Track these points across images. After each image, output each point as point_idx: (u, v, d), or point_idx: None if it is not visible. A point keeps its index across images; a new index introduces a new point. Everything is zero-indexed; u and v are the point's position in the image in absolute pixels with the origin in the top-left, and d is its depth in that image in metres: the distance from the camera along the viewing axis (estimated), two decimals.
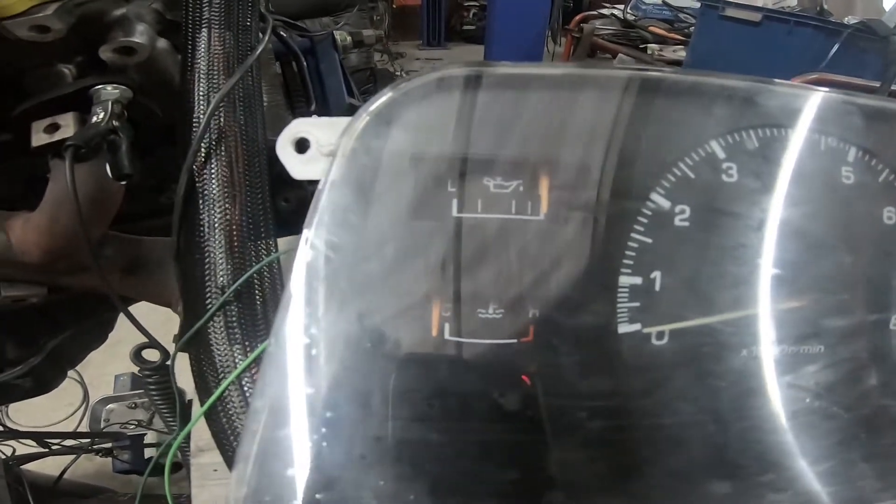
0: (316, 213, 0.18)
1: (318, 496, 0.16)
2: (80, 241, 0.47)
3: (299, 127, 0.21)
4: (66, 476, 0.92)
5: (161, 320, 0.41)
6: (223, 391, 0.25)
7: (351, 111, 0.94)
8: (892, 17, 1.89)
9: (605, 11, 2.79)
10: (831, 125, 0.23)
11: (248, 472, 0.16)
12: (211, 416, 0.26)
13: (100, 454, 1.07)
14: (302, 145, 0.21)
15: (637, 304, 0.20)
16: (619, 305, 0.20)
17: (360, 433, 0.18)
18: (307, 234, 0.17)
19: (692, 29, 2.17)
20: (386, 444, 0.18)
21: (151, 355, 0.37)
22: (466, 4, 5.76)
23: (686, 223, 0.20)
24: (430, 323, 0.20)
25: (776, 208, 0.22)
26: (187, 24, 0.36)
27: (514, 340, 0.21)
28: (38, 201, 0.50)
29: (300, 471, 0.16)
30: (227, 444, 0.25)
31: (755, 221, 0.21)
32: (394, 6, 5.36)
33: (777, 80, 0.23)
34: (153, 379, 0.36)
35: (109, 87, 0.40)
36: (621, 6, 2.75)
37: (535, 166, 0.21)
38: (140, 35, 0.39)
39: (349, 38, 0.91)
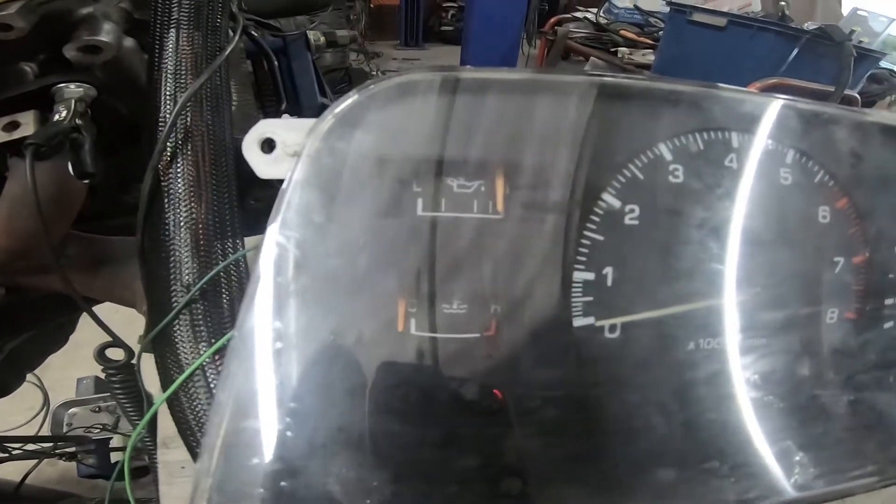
0: (280, 211, 0.18)
1: (282, 484, 0.17)
2: (40, 241, 0.46)
3: (265, 127, 0.21)
4: (28, 481, 0.89)
5: (124, 321, 0.41)
6: (185, 379, 0.25)
7: (322, 111, 0.94)
8: (848, 22, 1.98)
9: (578, 15, 2.83)
10: (771, 129, 0.25)
11: (213, 462, 0.16)
12: (175, 411, 0.26)
13: (64, 458, 1.03)
14: (269, 145, 0.21)
15: (590, 298, 0.21)
16: (573, 300, 0.21)
17: (325, 424, 0.18)
18: (271, 230, 0.18)
19: (661, 33, 2.22)
20: (349, 434, 0.18)
21: (116, 354, 0.37)
22: (445, 5, 5.82)
23: (635, 221, 0.22)
24: (395, 318, 0.21)
25: (719, 208, 0.23)
26: (155, 23, 0.36)
27: (478, 335, 0.22)
28: None
29: (264, 460, 0.16)
30: (192, 439, 0.26)
31: (699, 220, 0.23)
32: (371, 5, 5.32)
33: (721, 85, 0.25)
34: (117, 378, 0.36)
35: (72, 86, 0.39)
36: (595, 9, 2.80)
37: (495, 167, 0.21)
38: (106, 34, 0.39)
39: (322, 38, 0.90)
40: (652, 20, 2.54)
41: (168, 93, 0.34)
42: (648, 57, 2.10)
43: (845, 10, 2.59)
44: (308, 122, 0.21)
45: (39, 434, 0.98)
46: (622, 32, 2.44)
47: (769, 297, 0.23)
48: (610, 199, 0.22)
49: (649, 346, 0.22)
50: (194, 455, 0.26)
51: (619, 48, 2.29)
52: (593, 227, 0.21)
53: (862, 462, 0.23)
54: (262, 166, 0.21)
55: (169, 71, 0.34)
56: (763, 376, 0.23)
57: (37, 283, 0.55)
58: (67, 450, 1.01)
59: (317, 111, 0.89)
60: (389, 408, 0.20)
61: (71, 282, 0.43)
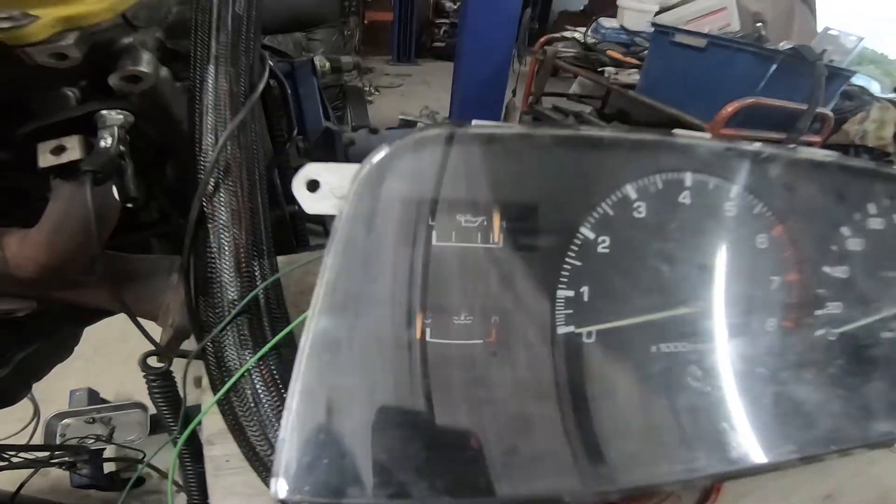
0: (333, 241, 0.23)
1: (324, 461, 0.21)
2: (76, 258, 0.50)
3: (311, 170, 0.26)
4: (22, 491, 0.91)
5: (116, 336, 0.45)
6: (234, 382, 0.30)
7: (327, 135, 0.98)
8: (820, 42, 2.07)
9: (567, 34, 2.87)
10: (717, 168, 0.31)
11: (289, 432, 0.21)
12: (225, 410, 0.31)
13: (62, 467, 1.05)
14: (314, 185, 0.26)
15: (571, 311, 0.27)
16: (557, 312, 0.27)
17: (370, 404, 0.23)
18: (326, 258, 0.23)
19: (646, 53, 2.29)
20: (388, 413, 0.23)
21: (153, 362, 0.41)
22: (437, 22, 5.92)
23: (607, 250, 0.27)
24: (415, 327, 0.26)
25: (674, 237, 0.29)
26: (195, 58, 0.41)
27: (481, 341, 0.27)
28: (19, 217, 0.52)
29: (329, 433, 0.21)
30: (240, 435, 0.30)
31: (658, 248, 0.28)
32: (364, 21, 5.38)
33: (676, 132, 0.30)
34: (157, 384, 0.40)
35: (114, 113, 0.44)
36: (583, 29, 2.87)
37: (494, 206, 0.27)
38: (146, 64, 0.44)
39: (328, 65, 0.96)
40: (637, 40, 2.58)
41: (209, 127, 0.39)
42: (633, 76, 2.16)
43: (820, 28, 2.68)
44: (347, 168, 0.26)
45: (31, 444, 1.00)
46: (609, 52, 2.49)
47: (715, 309, 0.29)
48: (586, 231, 0.27)
49: (618, 348, 0.27)
50: (241, 447, 0.30)
51: (606, 68, 2.35)
52: (573, 254, 0.27)
53: (786, 442, 0.28)
54: (309, 203, 0.26)
55: (209, 106, 0.39)
56: (707, 372, 0.28)
57: (66, 297, 0.59)
58: (63, 460, 1.03)
59: (321, 135, 0.94)
60: (411, 402, 0.25)
61: (120, 296, 0.47)
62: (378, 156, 0.25)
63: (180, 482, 0.44)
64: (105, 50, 0.42)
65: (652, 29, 2.15)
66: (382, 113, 3.64)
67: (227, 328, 0.32)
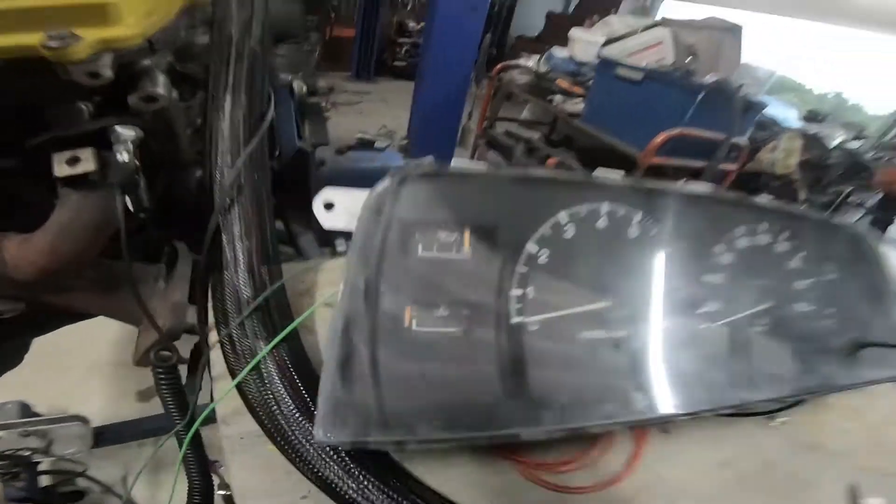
0: (353, 247, 0.32)
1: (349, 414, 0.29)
2: (74, 263, 0.54)
3: (328, 194, 0.35)
4: None
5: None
6: (252, 368, 0.37)
7: (300, 155, 1.04)
8: (739, 76, 2.33)
9: (522, 62, 3.05)
10: (625, 200, 0.42)
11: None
12: (244, 392, 0.38)
13: None
14: (329, 206, 0.35)
15: (520, 305, 0.36)
16: (510, 306, 0.36)
17: (376, 378, 0.32)
18: (349, 258, 0.32)
19: (591, 83, 2.48)
20: (388, 383, 0.32)
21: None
22: (399, 41, 5.99)
23: (546, 260, 0.37)
24: (405, 318, 0.35)
25: (594, 251, 0.39)
26: (214, 85, 0.47)
27: (455, 329, 0.36)
28: (15, 222, 0.56)
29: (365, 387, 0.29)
30: (259, 410, 0.37)
31: (584, 259, 0.39)
32: (326, 38, 5.34)
33: (596, 175, 0.41)
34: (165, 377, 0.46)
35: (128, 128, 0.49)
36: (537, 56, 3.06)
37: (464, 226, 0.36)
38: (163, 86, 0.49)
39: (305, 88, 1.02)
40: (585, 70, 2.75)
41: (224, 150, 0.45)
42: (579, 106, 2.35)
43: (745, 58, 2.99)
44: (358, 193, 0.35)
45: None
46: (558, 82, 2.68)
47: (623, 306, 0.40)
48: (531, 246, 0.37)
49: (557, 333, 0.37)
50: (261, 424, 0.37)
51: (555, 96, 2.54)
52: (522, 263, 0.37)
53: (674, 401, 0.39)
54: (325, 220, 0.35)
55: (225, 131, 0.46)
56: (618, 350, 0.39)
57: (57, 301, 0.62)
58: None
59: (294, 155, 1.00)
60: (405, 372, 0.34)
61: (106, 300, 0.52)
62: (381, 186, 0.34)
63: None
64: (128, 70, 0.47)
65: (598, 60, 2.34)
66: (340, 130, 3.63)
67: (243, 322, 0.39)
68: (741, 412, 0.53)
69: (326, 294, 0.49)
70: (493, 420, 0.34)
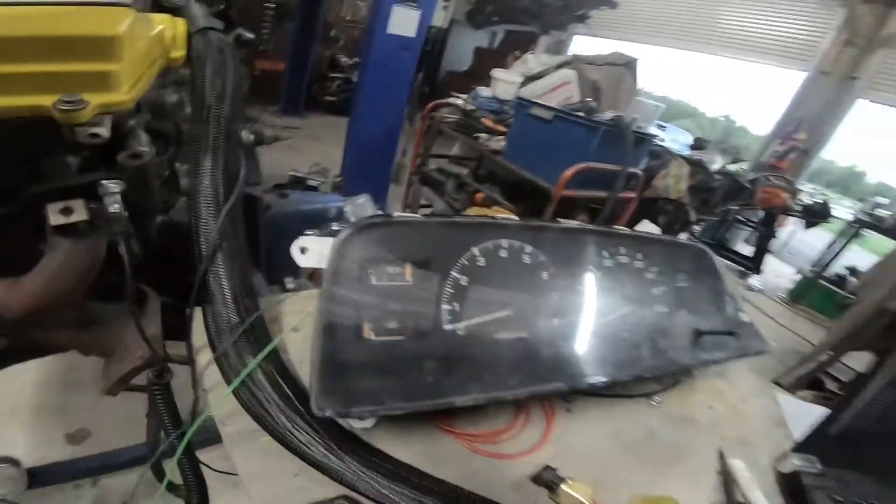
0: (325, 281, 0.44)
1: (336, 393, 0.41)
2: (59, 303, 0.60)
3: (302, 240, 0.47)
4: None
5: None
6: (244, 377, 0.48)
7: (249, 200, 1.13)
8: (631, 111, 2.61)
9: (451, 100, 3.16)
10: (519, 235, 0.58)
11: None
12: (240, 397, 0.48)
13: None
14: (303, 250, 0.47)
15: (451, 316, 0.51)
16: (442, 317, 0.50)
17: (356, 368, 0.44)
18: (323, 290, 0.44)
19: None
20: (365, 371, 0.44)
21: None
22: (331, 76, 5.94)
23: (466, 282, 0.52)
24: (363, 330, 0.47)
25: (499, 275, 0.55)
26: (195, 146, 0.55)
27: (402, 337, 0.49)
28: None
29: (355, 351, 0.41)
30: (253, 408, 0.47)
31: (491, 281, 0.54)
32: (255, 72, 5.26)
33: (497, 217, 0.57)
34: (161, 395, 0.54)
35: (112, 182, 0.54)
36: (465, 95, 3.24)
37: (406, 261, 0.50)
38: (146, 144, 0.57)
39: (252, 137, 1.11)
40: (506, 108, 2.91)
41: (207, 204, 0.55)
42: (501, 143, 2.56)
43: (642, 85, 3.30)
44: (326, 240, 0.47)
45: None
46: (483, 120, 2.86)
47: (523, 314, 0.55)
48: (455, 273, 0.52)
49: (478, 334, 0.52)
50: (255, 419, 0.47)
51: (480, 134, 2.75)
52: (448, 285, 0.51)
53: (585, 377, 0.55)
54: (301, 261, 0.47)
55: (207, 189, 0.56)
56: (523, 348, 0.54)
57: (37, 337, 0.67)
58: None
59: (244, 201, 1.08)
60: (372, 363, 0.46)
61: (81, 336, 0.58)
62: (344, 234, 0.47)
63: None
64: (118, 130, 0.54)
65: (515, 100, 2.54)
66: (271, 167, 3.43)
67: (236, 341, 0.50)
68: (627, 394, 0.70)
69: (293, 322, 0.60)
70: (435, 393, 0.47)
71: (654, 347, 0.65)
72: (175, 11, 0.70)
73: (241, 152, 0.94)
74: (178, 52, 0.67)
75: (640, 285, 0.68)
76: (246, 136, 1.12)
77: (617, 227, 0.68)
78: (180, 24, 0.68)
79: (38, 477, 1.16)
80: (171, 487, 0.62)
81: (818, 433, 0.68)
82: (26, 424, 1.39)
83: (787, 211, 4.29)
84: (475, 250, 0.54)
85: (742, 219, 4.95)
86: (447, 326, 0.51)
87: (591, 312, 0.62)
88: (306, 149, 4.51)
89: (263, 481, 0.45)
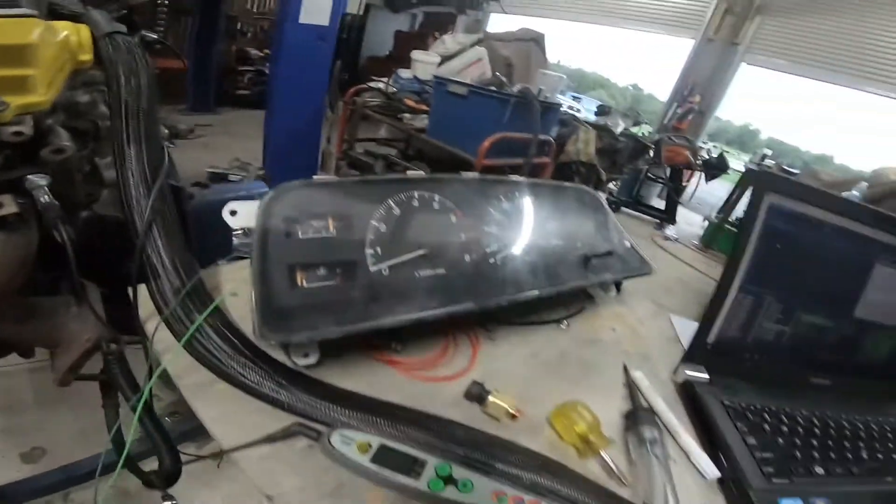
0: (255, 235, 0.51)
1: (277, 321, 0.49)
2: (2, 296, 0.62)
3: (232, 205, 0.53)
4: None
5: None
6: (192, 332, 0.53)
7: (173, 190, 1.15)
8: (538, 83, 2.80)
9: (373, 84, 3.20)
10: (428, 187, 0.67)
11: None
12: (193, 350, 0.53)
13: None
14: (234, 213, 0.54)
15: (374, 259, 0.59)
16: (367, 261, 0.59)
17: (288, 308, 0.51)
18: (255, 241, 0.51)
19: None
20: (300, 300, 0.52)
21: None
22: (242, 69, 5.74)
23: (385, 229, 0.61)
24: (297, 278, 0.55)
25: (413, 220, 0.64)
26: (116, 137, 0.60)
27: (333, 281, 0.57)
28: None
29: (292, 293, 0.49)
30: (204, 358, 0.53)
31: (407, 226, 0.63)
32: (155, 71, 4.90)
33: (409, 173, 0.66)
34: (117, 364, 0.58)
35: (38, 177, 0.59)
36: (386, 79, 3.27)
37: (328, 216, 0.58)
38: (67, 140, 0.61)
39: (167, 131, 1.11)
40: (427, 88, 2.99)
41: (136, 188, 0.60)
42: (425, 121, 2.66)
43: (553, 59, 3.50)
44: (253, 203, 0.54)
45: None
46: (406, 101, 2.92)
47: (438, 252, 0.65)
48: (374, 223, 0.60)
49: (401, 273, 0.60)
50: (211, 369, 0.53)
51: (404, 114, 2.82)
52: (370, 233, 0.60)
53: (495, 298, 0.65)
54: (232, 222, 0.53)
55: (134, 176, 0.60)
56: (442, 282, 0.63)
57: None
58: None
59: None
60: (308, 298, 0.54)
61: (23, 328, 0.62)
62: (269, 196, 0.54)
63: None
64: (38, 128, 0.58)
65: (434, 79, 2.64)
66: (186, 166, 3.36)
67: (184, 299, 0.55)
68: (539, 321, 0.82)
69: (232, 287, 0.66)
70: (365, 317, 0.55)
71: (551, 272, 0.76)
72: (75, 18, 0.73)
73: (163, 145, 0.96)
74: (86, 56, 0.72)
75: (536, 222, 0.80)
76: (161, 130, 1.13)
77: (512, 176, 0.79)
78: (84, 30, 0.71)
79: (3, 496, 1.12)
80: (137, 472, 0.66)
81: (697, 345, 0.75)
82: None
83: (690, 166, 4.76)
84: (390, 202, 0.63)
85: (652, 176, 5.43)
86: (372, 268, 0.59)
87: (494, 246, 0.72)
88: (223, 145, 4.34)
89: (224, 424, 0.49)
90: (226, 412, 0.51)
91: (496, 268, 0.71)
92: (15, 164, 0.60)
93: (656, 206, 5.53)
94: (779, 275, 0.75)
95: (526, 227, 0.78)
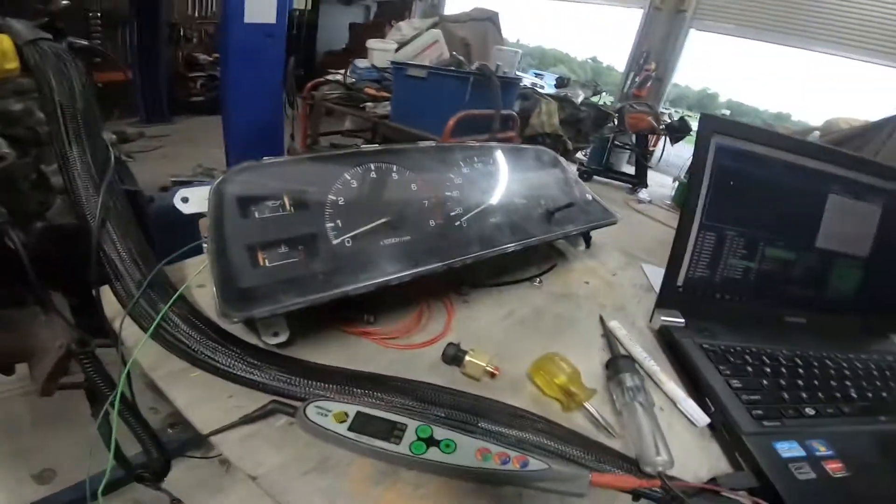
0: (209, 217, 0.51)
1: (237, 300, 0.49)
2: None
3: (183, 192, 0.53)
4: None
5: None
6: (159, 321, 0.53)
7: (129, 194, 1.12)
8: (495, 59, 2.82)
9: (331, 77, 3.18)
10: (385, 158, 0.67)
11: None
12: (162, 338, 0.53)
13: None
14: (185, 200, 0.53)
15: (335, 231, 0.59)
16: (329, 234, 0.59)
17: (250, 288, 0.51)
18: (210, 230, 0.50)
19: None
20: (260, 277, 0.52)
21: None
22: (192, 75, 5.56)
23: (343, 202, 0.61)
24: (258, 257, 0.55)
25: (371, 191, 0.64)
26: (60, 140, 0.59)
27: (296, 258, 0.56)
28: None
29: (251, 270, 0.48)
30: (173, 346, 0.53)
31: (365, 197, 0.63)
32: (98, 84, 4.62)
33: (363, 146, 0.66)
34: (90, 363, 0.57)
35: None
36: (343, 70, 3.23)
37: (283, 194, 0.58)
38: (6, 147, 0.60)
39: (114, 137, 1.08)
40: (386, 75, 3.03)
41: (84, 186, 0.58)
42: (388, 108, 2.65)
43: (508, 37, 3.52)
44: (203, 189, 0.53)
45: None
46: (366, 90, 2.91)
47: (400, 219, 0.65)
48: (332, 196, 0.60)
49: (365, 243, 0.61)
50: (182, 355, 0.52)
51: (366, 104, 2.79)
52: (328, 207, 0.59)
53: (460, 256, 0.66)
54: (184, 209, 0.53)
55: (80, 174, 0.59)
56: (406, 249, 0.64)
57: None
58: None
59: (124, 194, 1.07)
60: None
61: None
62: (218, 179, 0.53)
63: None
64: None
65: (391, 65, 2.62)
66: (149, 178, 3.24)
67: (141, 297, 0.55)
68: (512, 280, 0.83)
69: (197, 279, 0.65)
70: (329, 287, 0.55)
71: (515, 228, 0.77)
72: None
73: (107, 144, 0.94)
74: (11, 64, 0.71)
75: (498, 183, 0.81)
76: (108, 136, 1.10)
77: (469, 141, 0.80)
78: (5, 40, 0.70)
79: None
80: (128, 466, 0.65)
81: (667, 287, 0.75)
82: None
83: (654, 131, 4.88)
84: (346, 175, 0.62)
85: (619, 144, 5.55)
86: (335, 241, 0.59)
87: (459, 210, 0.72)
88: (183, 154, 4.21)
89: (200, 409, 0.49)
90: (201, 397, 0.50)
91: (462, 230, 0.71)
92: None
93: (627, 172, 5.69)
94: (736, 210, 0.77)
95: (488, 188, 0.78)
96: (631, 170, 5.60)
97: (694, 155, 0.75)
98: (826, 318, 0.82)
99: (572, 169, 0.96)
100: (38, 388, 0.63)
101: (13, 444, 1.45)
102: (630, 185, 5.45)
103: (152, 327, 0.53)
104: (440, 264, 0.64)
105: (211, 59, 5.63)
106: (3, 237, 0.60)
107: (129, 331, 0.55)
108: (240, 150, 3.23)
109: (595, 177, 5.46)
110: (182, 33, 5.54)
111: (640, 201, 4.98)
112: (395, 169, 0.68)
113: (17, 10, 0.79)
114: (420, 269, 0.62)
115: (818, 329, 0.79)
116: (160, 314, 0.53)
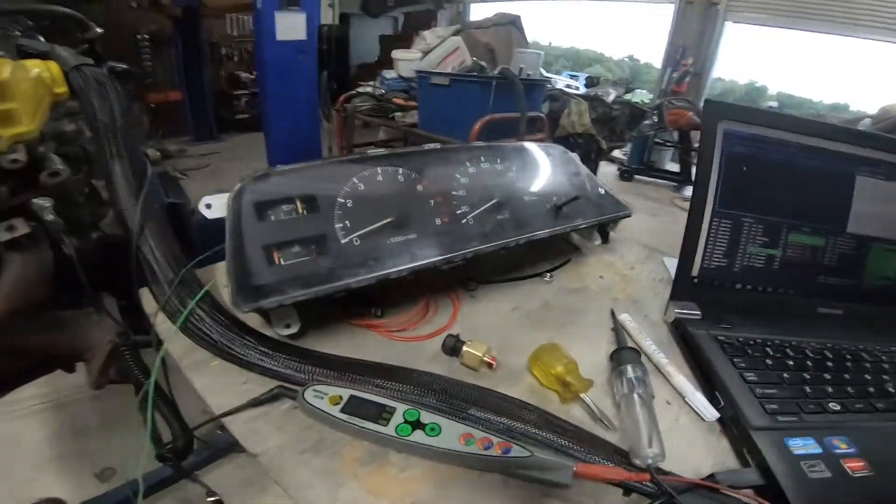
0: (228, 221, 0.56)
1: (250, 292, 0.54)
2: (27, 307, 0.70)
3: (207, 198, 0.59)
4: None
5: None
6: (187, 314, 0.59)
7: (173, 207, 1.24)
8: (516, 63, 2.82)
9: (361, 90, 3.29)
10: (392, 162, 0.71)
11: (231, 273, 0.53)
12: (189, 333, 0.59)
13: None
14: (209, 206, 0.59)
15: (343, 231, 0.63)
16: (338, 234, 0.63)
17: (265, 284, 0.56)
18: (228, 226, 0.56)
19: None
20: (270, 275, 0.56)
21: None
22: (236, 93, 5.77)
23: (351, 204, 0.65)
24: (274, 258, 0.60)
25: (378, 192, 0.68)
26: (102, 159, 0.67)
27: (308, 257, 0.61)
28: None
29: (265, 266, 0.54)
30: (197, 337, 0.59)
31: (373, 199, 0.67)
32: (150, 105, 4.84)
33: (370, 150, 0.70)
34: (130, 353, 0.65)
35: (41, 199, 0.66)
36: (373, 82, 3.33)
37: (296, 199, 0.62)
38: (61, 164, 0.68)
39: (159, 154, 1.19)
40: (413, 84, 3.08)
41: (125, 196, 0.66)
42: (415, 117, 2.71)
43: (532, 40, 3.48)
44: (224, 195, 0.59)
45: None
46: (395, 100, 2.99)
47: (406, 218, 0.68)
48: (341, 199, 0.65)
49: (373, 241, 0.64)
50: (204, 346, 0.58)
51: (395, 114, 2.87)
52: (337, 209, 0.64)
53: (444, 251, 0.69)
54: (208, 214, 0.58)
55: (121, 185, 0.67)
56: (413, 247, 0.67)
57: (19, 344, 0.76)
58: None
59: (168, 208, 1.17)
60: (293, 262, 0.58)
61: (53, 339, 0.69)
62: (238, 186, 0.59)
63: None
64: (32, 156, 0.66)
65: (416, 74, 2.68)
66: (196, 192, 3.36)
67: (173, 295, 0.61)
68: (521, 276, 0.84)
69: (224, 279, 0.71)
70: (333, 279, 0.59)
71: (522, 223, 0.78)
72: (43, 56, 0.80)
73: (148, 160, 1.04)
74: (61, 89, 0.79)
75: (503, 180, 0.82)
76: (152, 153, 1.21)
77: (475, 142, 0.82)
78: (53, 66, 0.79)
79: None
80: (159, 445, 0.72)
81: (682, 279, 0.72)
82: (53, 472, 1.48)
83: (696, 126, 4.69)
84: (354, 179, 0.67)
85: (661, 141, 5.37)
86: (343, 240, 0.63)
87: (464, 207, 0.74)
88: (231, 170, 4.45)
89: (217, 394, 0.53)
90: (219, 384, 0.55)
91: (468, 226, 0.73)
92: (19, 191, 0.68)
93: (671, 169, 5.48)
94: (751, 196, 0.74)
95: (494, 186, 0.80)
96: (675, 167, 5.40)
97: (700, 141, 0.74)
98: (864, 307, 0.76)
99: (588, 167, 0.96)
100: (91, 383, 0.71)
101: (79, 445, 1.58)
102: (675, 183, 5.27)
103: (181, 320, 0.59)
104: (440, 258, 0.67)
105: (252, 76, 5.79)
106: (60, 245, 0.69)
107: (163, 326, 0.62)
108: (282, 162, 3.36)
109: (637, 176, 5.30)
110: (223, 52, 5.75)
111: (685, 199, 4.79)
112: (400, 171, 0.71)
113: (62, 38, 0.87)
114: (419, 263, 0.65)
115: (855, 320, 0.74)
116: (188, 309, 0.59)
